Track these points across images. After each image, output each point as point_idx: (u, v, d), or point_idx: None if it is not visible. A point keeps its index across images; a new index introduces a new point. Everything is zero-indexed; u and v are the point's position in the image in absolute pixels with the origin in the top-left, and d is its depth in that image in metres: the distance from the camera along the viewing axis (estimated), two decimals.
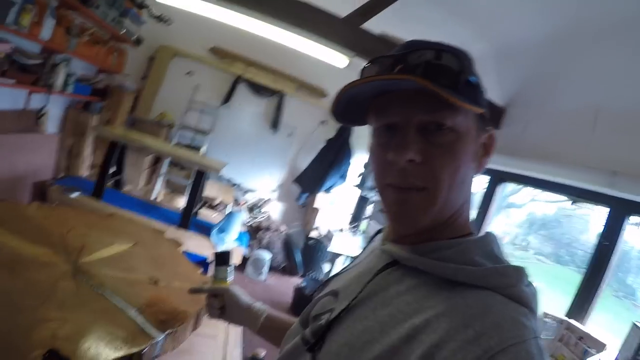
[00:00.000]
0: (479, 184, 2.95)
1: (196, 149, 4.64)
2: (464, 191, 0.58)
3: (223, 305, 0.98)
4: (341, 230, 4.26)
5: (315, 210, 5.09)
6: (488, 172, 2.86)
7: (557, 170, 2.20)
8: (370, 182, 4.28)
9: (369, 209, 4.61)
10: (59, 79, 2.97)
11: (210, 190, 4.56)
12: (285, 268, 5.10)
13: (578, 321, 1.95)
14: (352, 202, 5.27)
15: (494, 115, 2.68)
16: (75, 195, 2.41)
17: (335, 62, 2.44)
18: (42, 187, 2.82)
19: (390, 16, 2.30)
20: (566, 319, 1.95)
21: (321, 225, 4.89)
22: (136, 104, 4.62)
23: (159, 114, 4.81)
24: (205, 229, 2.70)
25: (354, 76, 0.60)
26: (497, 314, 0.46)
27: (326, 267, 4.37)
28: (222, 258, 1.07)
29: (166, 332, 1.13)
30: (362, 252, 0.77)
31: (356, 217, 5.09)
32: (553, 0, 1.84)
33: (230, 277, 1.06)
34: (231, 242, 2.67)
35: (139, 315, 1.15)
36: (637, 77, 1.76)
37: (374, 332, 0.52)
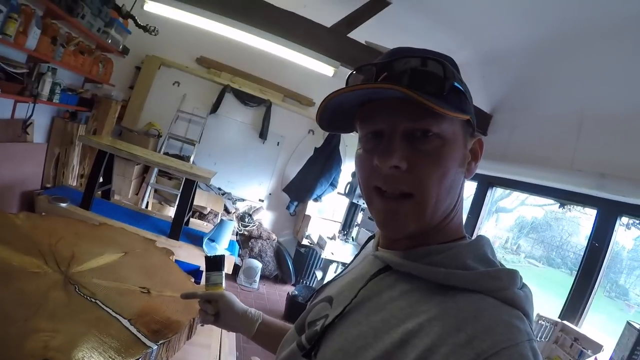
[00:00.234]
0: (468, 189, 2.98)
1: (185, 158, 4.62)
2: (453, 196, 0.59)
3: (217, 312, 0.98)
4: (332, 237, 4.26)
5: (307, 218, 5.09)
6: (477, 177, 2.90)
7: (546, 174, 2.22)
8: (358, 190, 4.30)
9: (360, 217, 4.62)
10: (45, 89, 2.95)
11: (200, 199, 4.54)
12: (277, 276, 5.08)
13: (572, 323, 1.97)
14: (342, 209, 5.28)
15: (481, 121, 2.72)
16: (64, 205, 2.38)
17: (322, 71, 2.46)
18: (30, 197, 2.78)
19: (376, 25, 2.34)
20: (560, 320, 1.97)
21: (312, 232, 4.89)
22: (123, 114, 4.59)
23: (146, 124, 4.78)
24: (196, 238, 2.68)
25: (341, 85, 0.61)
26: (489, 318, 0.46)
27: (318, 274, 4.36)
28: (215, 263, 1.06)
29: (159, 342, 1.12)
30: (355, 258, 0.78)
31: (347, 225, 5.10)
32: (537, 6, 1.88)
33: (224, 283, 1.06)
34: (222, 250, 2.66)
35: (132, 326, 1.14)
36: (622, 80, 1.80)
37: (367, 338, 0.52)
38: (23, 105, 2.91)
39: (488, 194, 2.90)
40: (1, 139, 2.79)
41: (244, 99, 4.98)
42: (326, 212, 5.30)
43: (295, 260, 5.12)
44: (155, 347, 1.10)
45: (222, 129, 5.10)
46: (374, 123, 0.57)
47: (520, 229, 5.28)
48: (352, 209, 4.51)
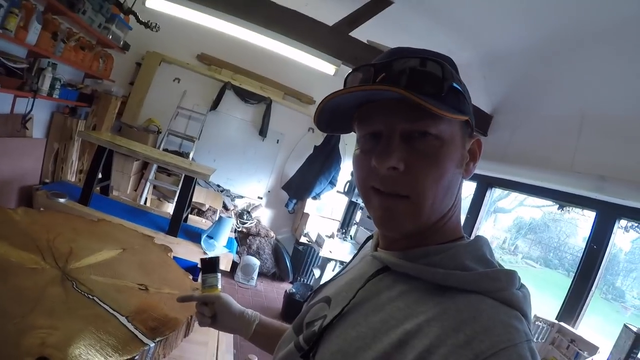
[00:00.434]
0: (467, 189, 2.99)
1: (184, 155, 4.62)
2: (450, 197, 0.58)
3: (214, 314, 0.97)
4: (331, 235, 4.26)
5: (305, 216, 5.10)
6: (476, 177, 2.90)
7: (545, 175, 2.22)
8: (357, 189, 4.28)
9: (358, 215, 4.63)
10: (45, 84, 2.94)
11: (198, 196, 4.53)
12: (275, 274, 5.09)
13: (569, 324, 1.97)
14: (341, 207, 5.28)
15: (481, 121, 2.72)
16: (62, 200, 2.37)
17: (323, 69, 2.45)
18: (28, 192, 2.77)
19: (377, 25, 2.34)
20: (557, 322, 1.97)
21: (311, 230, 4.89)
22: (123, 110, 4.58)
23: (146, 120, 4.77)
24: (194, 235, 2.69)
25: (342, 83, 0.61)
26: (488, 318, 0.46)
27: (316, 272, 4.37)
28: (211, 265, 1.06)
29: (157, 340, 1.12)
30: (353, 258, 0.77)
31: (346, 223, 5.11)
32: (537, 8, 1.87)
33: (220, 284, 1.06)
34: (221, 248, 2.66)
35: (129, 323, 1.14)
36: (622, 82, 1.79)
37: (366, 339, 0.52)
38: (22, 100, 2.90)
39: (487, 194, 2.90)
40: (0, 134, 2.79)
41: (244, 96, 4.98)
42: (325, 210, 5.30)
43: (293, 258, 5.13)
44: (152, 344, 1.10)
45: (222, 126, 5.09)
46: (372, 124, 0.57)
47: (518, 229, 5.29)
48: (351, 207, 4.52)
